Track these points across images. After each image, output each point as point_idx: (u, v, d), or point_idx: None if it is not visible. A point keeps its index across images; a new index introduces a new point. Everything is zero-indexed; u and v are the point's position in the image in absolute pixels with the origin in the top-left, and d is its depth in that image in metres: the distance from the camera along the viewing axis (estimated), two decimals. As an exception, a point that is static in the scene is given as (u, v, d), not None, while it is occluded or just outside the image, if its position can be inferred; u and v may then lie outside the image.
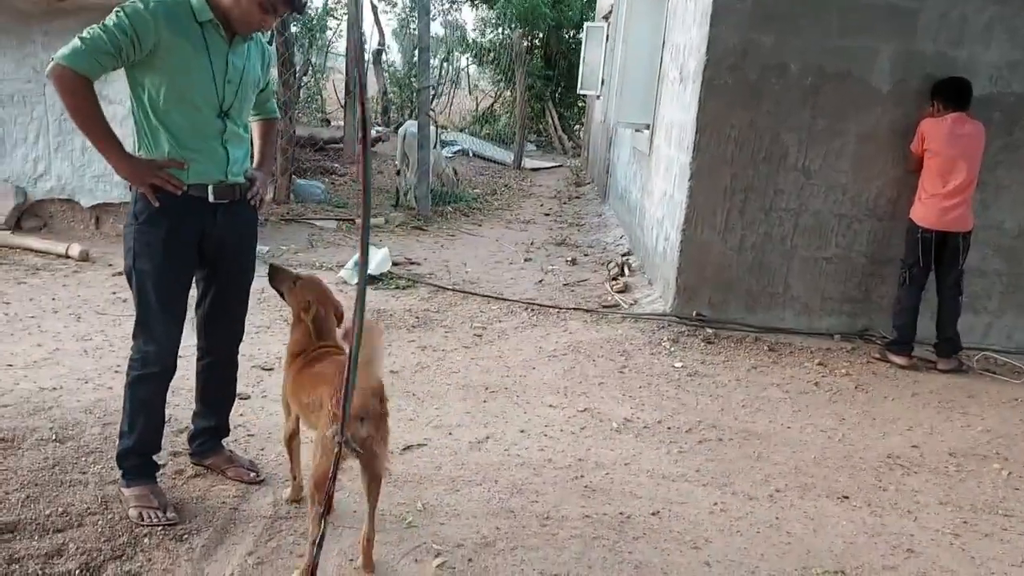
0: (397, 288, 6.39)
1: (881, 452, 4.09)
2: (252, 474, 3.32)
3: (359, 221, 8.51)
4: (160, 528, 2.92)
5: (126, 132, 2.92)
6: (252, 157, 3.22)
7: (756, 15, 5.40)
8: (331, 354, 2.99)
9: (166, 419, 3.19)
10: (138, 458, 3.09)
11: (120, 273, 5.99)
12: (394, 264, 6.91)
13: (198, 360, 3.31)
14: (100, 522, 2.93)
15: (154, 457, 3.16)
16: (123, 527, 2.91)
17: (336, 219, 8.69)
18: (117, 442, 3.12)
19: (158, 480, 3.15)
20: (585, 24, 13.18)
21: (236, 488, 3.22)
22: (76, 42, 2.69)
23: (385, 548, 2.93)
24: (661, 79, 7.17)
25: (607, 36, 10.71)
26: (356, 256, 6.73)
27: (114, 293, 5.61)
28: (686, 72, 6.06)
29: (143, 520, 2.94)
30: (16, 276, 5.84)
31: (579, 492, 3.45)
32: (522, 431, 4.02)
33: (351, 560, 2.84)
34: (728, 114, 5.55)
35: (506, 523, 3.16)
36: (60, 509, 2.98)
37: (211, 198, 2.96)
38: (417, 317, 5.69)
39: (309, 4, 3.03)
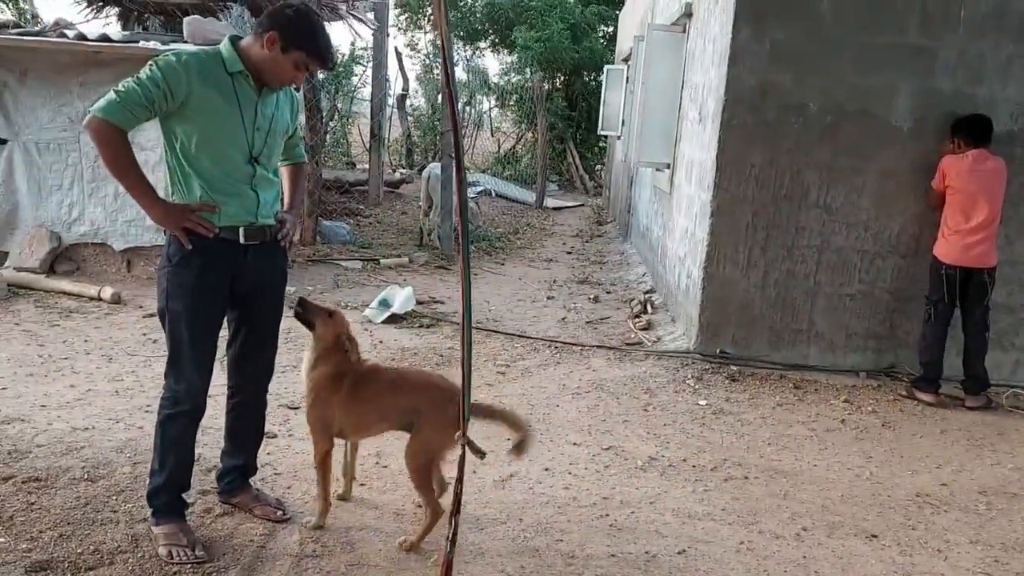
0: (422, 327, 6.44)
1: (910, 490, 4.04)
2: (279, 512, 3.35)
3: (383, 261, 8.61)
4: (189, 566, 2.96)
5: (158, 178, 3.03)
6: (281, 200, 3.31)
7: (774, 55, 5.48)
8: (379, 369, 3.41)
9: (195, 458, 3.24)
10: (168, 496, 3.13)
11: (151, 315, 6.12)
12: (418, 303, 6.97)
13: (228, 399, 3.37)
14: (131, 560, 2.97)
15: (183, 495, 3.21)
16: (153, 565, 2.94)
17: (361, 259, 8.79)
18: (148, 480, 3.17)
19: (187, 518, 3.19)
20: (605, 67, 13.36)
21: (263, 526, 3.25)
22: (112, 95, 2.81)
23: (411, 586, 2.94)
24: (680, 119, 7.25)
25: (626, 78, 10.85)
26: (380, 295, 6.81)
27: (144, 335, 5.71)
28: (705, 112, 6.13)
29: (172, 558, 2.98)
30: (50, 318, 5.97)
31: (604, 531, 3.45)
32: (546, 469, 4.03)
33: None
34: (748, 153, 5.60)
35: (531, 562, 3.16)
36: (92, 547, 3.03)
37: (242, 240, 3.04)
38: (441, 355, 5.73)
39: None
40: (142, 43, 6.95)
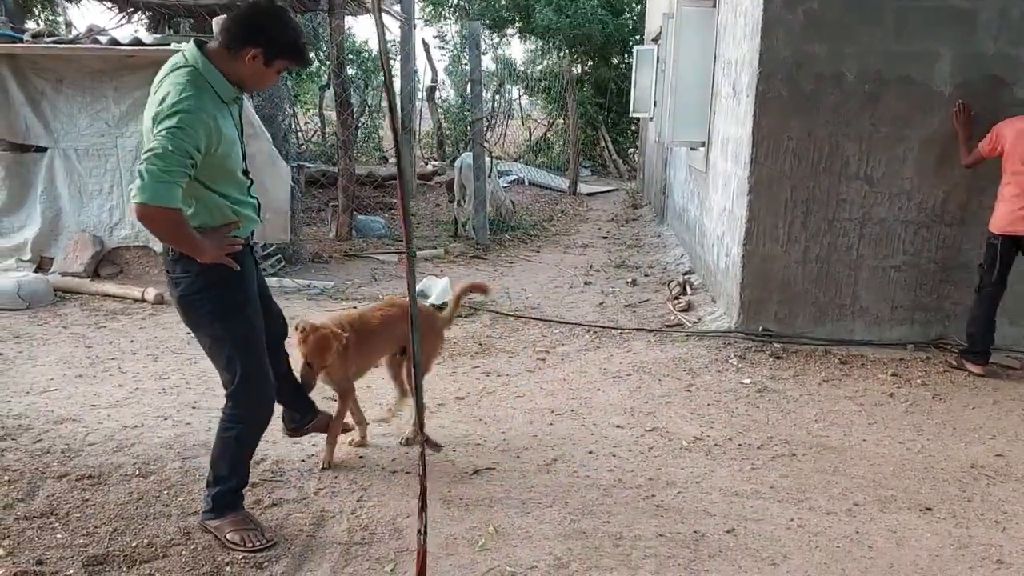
0: (459, 316, 6.44)
1: (964, 462, 3.95)
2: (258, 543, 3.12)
3: (420, 253, 8.62)
4: (262, 550, 3.02)
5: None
6: None
7: (808, 25, 5.36)
8: (363, 317, 3.86)
9: None
10: (235, 495, 3.18)
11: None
12: (456, 293, 6.97)
13: None
14: (184, 552, 3.02)
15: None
16: (205, 557, 2.99)
17: (396, 252, 8.83)
18: (211, 484, 3.15)
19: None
20: (635, 48, 13.22)
21: (312, 516, 3.28)
22: (156, 173, 2.57)
23: (459, 571, 2.95)
24: (714, 96, 7.15)
25: (657, 58, 10.72)
26: (418, 286, 6.81)
27: (188, 333, 5.77)
28: (739, 87, 6.03)
29: (244, 544, 3.03)
30: (96, 320, 6.08)
31: (651, 511, 3.42)
32: (590, 452, 4.01)
33: None
34: (784, 126, 5.50)
35: (579, 544, 3.15)
36: (146, 541, 3.08)
37: (251, 242, 3.15)
38: (480, 344, 5.73)
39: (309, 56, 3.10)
40: (173, 45, 7.02)
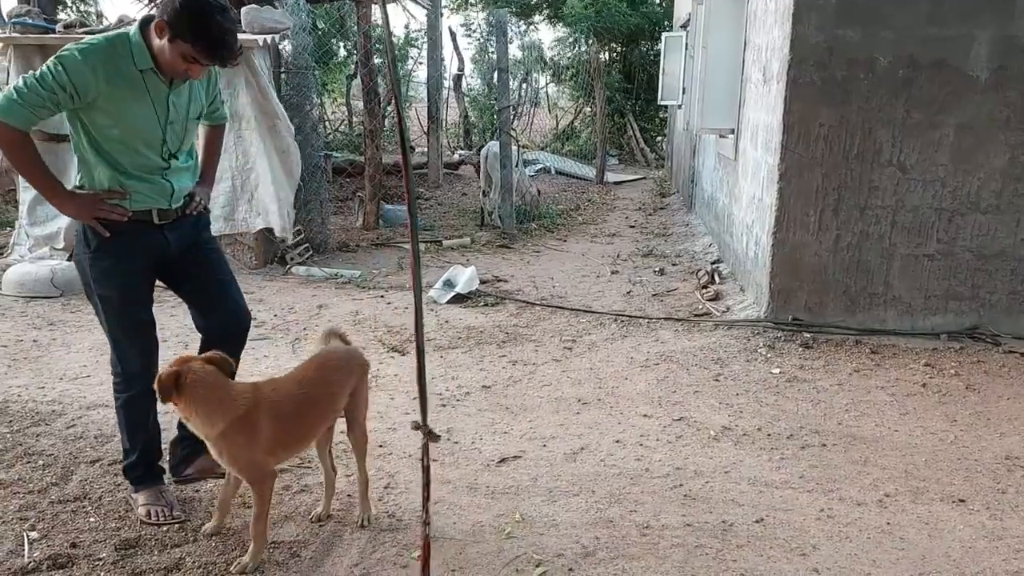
0: (486, 305, 6.45)
1: (998, 453, 3.88)
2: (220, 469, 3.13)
3: (446, 242, 8.63)
4: (166, 526, 3.08)
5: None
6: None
7: (840, 10, 5.27)
8: (261, 388, 2.89)
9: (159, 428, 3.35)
10: (143, 468, 3.24)
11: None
12: (482, 282, 6.97)
13: (204, 346, 3.27)
14: (214, 537, 3.05)
15: (158, 463, 3.32)
16: (235, 541, 3.02)
17: (423, 241, 8.84)
18: (122, 458, 3.28)
19: (164, 482, 3.32)
20: (663, 35, 13.10)
21: (339, 502, 3.30)
22: (12, 94, 2.73)
23: (485, 559, 2.95)
24: (744, 82, 7.06)
25: (686, 45, 10.62)
26: (444, 276, 6.83)
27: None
28: (769, 73, 5.95)
29: (150, 518, 3.11)
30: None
31: (679, 501, 3.40)
32: (617, 441, 3.99)
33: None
34: (816, 113, 5.42)
35: (605, 533, 3.14)
36: (176, 526, 3.12)
37: (156, 220, 3.06)
38: (507, 333, 5.73)
39: (239, 53, 3.01)
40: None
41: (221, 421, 2.72)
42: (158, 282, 3.26)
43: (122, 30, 2.90)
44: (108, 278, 3.03)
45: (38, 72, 2.76)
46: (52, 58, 2.78)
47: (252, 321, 3.47)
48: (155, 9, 2.86)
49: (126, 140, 2.91)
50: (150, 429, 3.27)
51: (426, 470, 2.48)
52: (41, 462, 3.61)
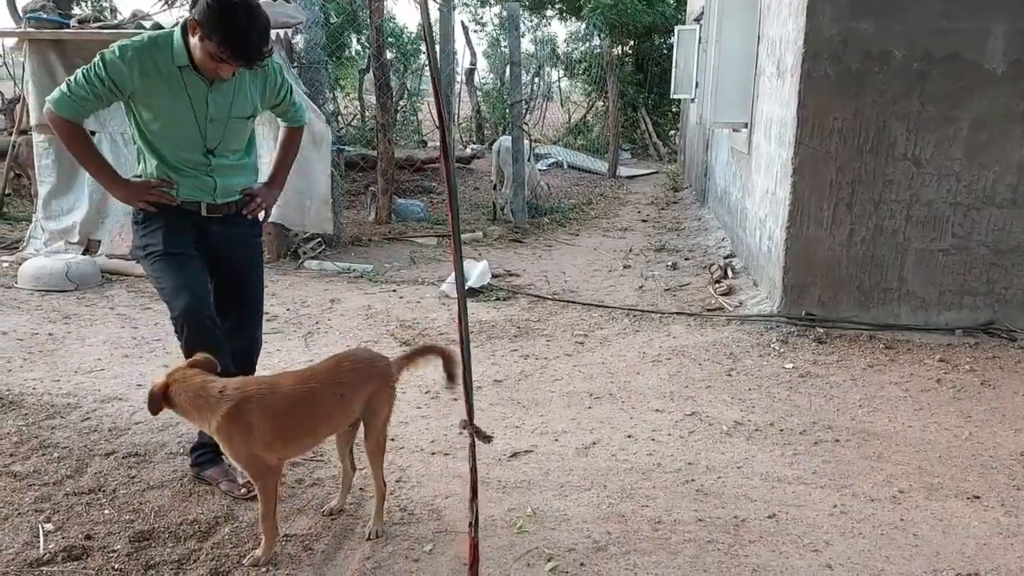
0: (498, 300, 6.45)
1: (1013, 450, 3.85)
2: (243, 490, 3.26)
3: (462, 237, 8.64)
4: (244, 499, 3.20)
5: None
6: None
7: (855, 2, 5.22)
8: (252, 383, 2.89)
9: None
10: (204, 447, 3.34)
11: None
12: (494, 276, 6.98)
13: None
14: (226, 530, 3.07)
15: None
16: (248, 534, 3.03)
17: (436, 236, 8.85)
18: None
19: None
20: (676, 28, 13.03)
21: (352, 496, 3.31)
22: (64, 88, 2.92)
23: (497, 552, 2.95)
24: (757, 76, 7.02)
25: (699, 38, 10.56)
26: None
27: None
28: (783, 67, 5.91)
29: (232, 492, 3.23)
30: (142, 302, 6.19)
31: (691, 496, 3.39)
32: (629, 436, 3.98)
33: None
34: (830, 106, 5.38)
35: (617, 527, 3.14)
36: (190, 518, 3.14)
37: (204, 212, 3.14)
38: (518, 327, 5.73)
39: (268, 55, 3.04)
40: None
41: (212, 418, 2.74)
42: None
43: (170, 30, 2.99)
44: (155, 237, 3.11)
45: (86, 67, 2.92)
46: (99, 53, 2.93)
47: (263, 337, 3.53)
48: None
49: (166, 134, 3.03)
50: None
51: (473, 471, 2.46)
52: (56, 454, 3.64)
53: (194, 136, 3.04)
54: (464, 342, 2.38)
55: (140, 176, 3.15)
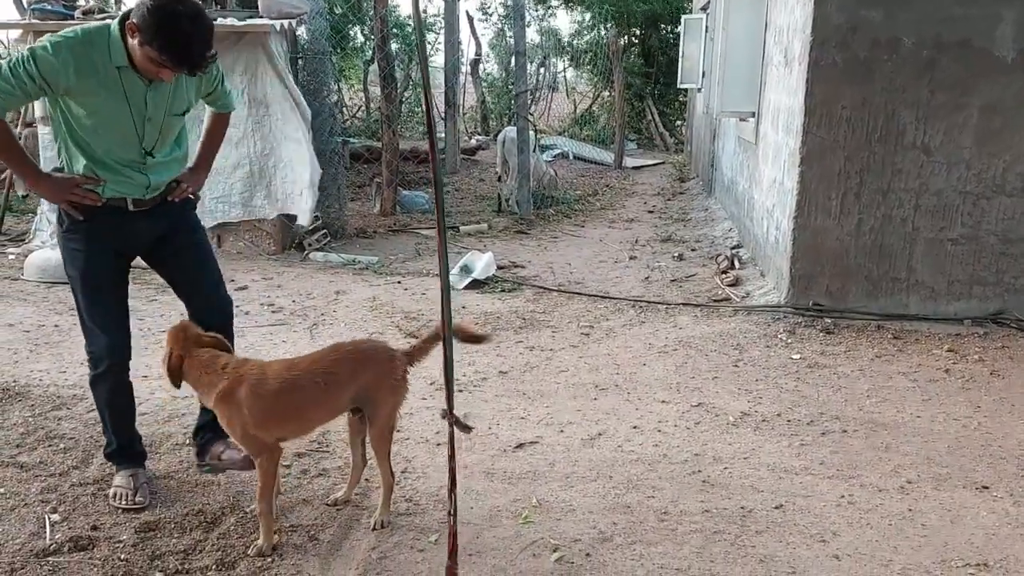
0: (503, 291, 6.43)
1: (1022, 440, 3.83)
2: (244, 459, 3.18)
3: (463, 228, 8.62)
4: (124, 511, 3.12)
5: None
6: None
7: (863, -11, 5.18)
8: (248, 365, 2.91)
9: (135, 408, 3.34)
10: (115, 448, 3.28)
11: (242, 288, 6.29)
12: (499, 268, 6.96)
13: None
14: (231, 520, 3.07)
15: (137, 444, 3.34)
16: (253, 525, 3.02)
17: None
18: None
19: (144, 464, 3.34)
20: (683, 17, 12.96)
21: (357, 487, 3.29)
22: None
23: (502, 543, 2.95)
24: (765, 64, 6.98)
25: (706, 27, 10.50)
26: (461, 262, 6.82)
27: (237, 307, 5.85)
28: (791, 55, 5.87)
29: (115, 500, 3.16)
30: (147, 294, 6.19)
31: (697, 487, 3.38)
32: (635, 427, 3.97)
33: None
34: (838, 94, 5.34)
35: (623, 518, 3.12)
36: (196, 509, 3.14)
37: (130, 208, 3.04)
38: (523, 318, 5.71)
39: (211, 60, 2.97)
40: (219, 20, 7.06)
41: (213, 392, 2.83)
42: (146, 267, 3.30)
43: (103, 23, 2.84)
44: (75, 259, 3.05)
45: (12, 60, 2.75)
46: (27, 47, 2.78)
47: (234, 307, 3.44)
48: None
49: (100, 132, 2.89)
50: (123, 409, 3.25)
51: (451, 458, 2.47)
52: (62, 445, 3.64)
53: (130, 136, 2.92)
54: (447, 330, 2.39)
55: (61, 171, 3.00)
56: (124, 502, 3.15)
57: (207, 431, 3.37)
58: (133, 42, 2.70)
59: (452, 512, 2.48)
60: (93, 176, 2.94)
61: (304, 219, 7.36)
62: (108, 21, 2.85)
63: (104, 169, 2.95)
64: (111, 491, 3.21)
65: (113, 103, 2.83)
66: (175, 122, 3.07)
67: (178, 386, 2.90)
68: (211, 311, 3.24)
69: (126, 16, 2.74)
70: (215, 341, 2.97)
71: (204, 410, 3.30)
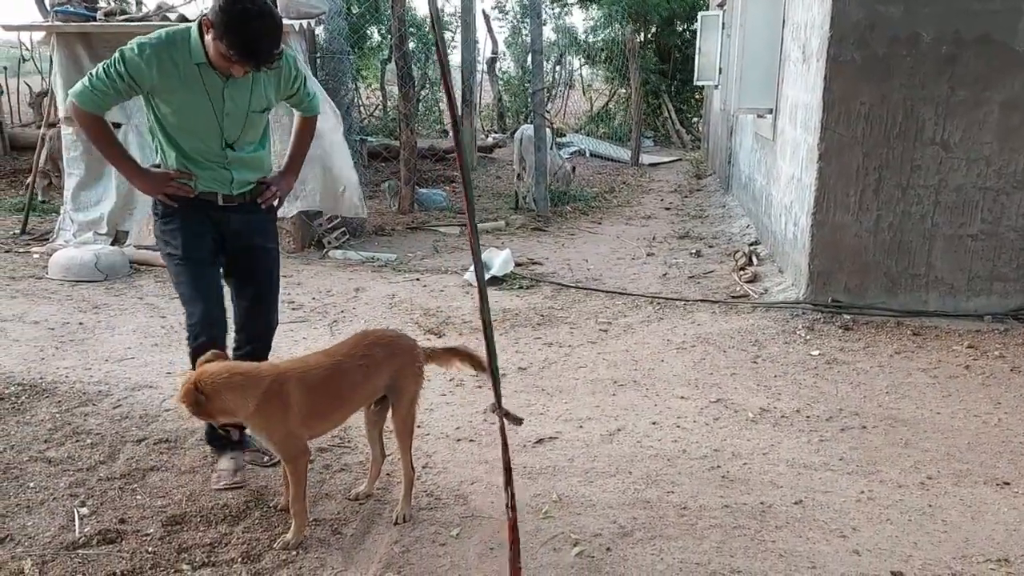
0: (521, 288, 6.46)
1: (1044, 437, 3.81)
2: (266, 458, 3.45)
3: (481, 225, 8.64)
4: (226, 491, 3.22)
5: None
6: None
7: (882, -15, 5.16)
8: (284, 363, 3.03)
9: None
10: (215, 435, 3.33)
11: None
12: (517, 265, 6.98)
13: (234, 351, 3.38)
14: (257, 514, 3.11)
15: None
16: (278, 518, 3.07)
17: (458, 225, 8.86)
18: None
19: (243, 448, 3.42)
20: (699, 14, 12.92)
21: (379, 482, 3.34)
22: (85, 82, 2.97)
23: (523, 537, 2.95)
24: (782, 61, 6.95)
25: (722, 24, 10.47)
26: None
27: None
28: (809, 51, 5.85)
29: (217, 482, 3.26)
30: (170, 292, 6.22)
31: (716, 482, 3.39)
32: (654, 423, 3.99)
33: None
34: (856, 91, 5.32)
35: (643, 513, 3.14)
36: (221, 503, 3.19)
37: (220, 203, 3.20)
38: (542, 315, 5.73)
39: (278, 57, 3.05)
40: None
41: (252, 399, 2.76)
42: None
43: (186, 26, 3.05)
44: (173, 237, 3.19)
45: (106, 62, 2.97)
46: (119, 50, 2.98)
47: (281, 317, 3.55)
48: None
49: (184, 127, 3.09)
50: None
51: (505, 452, 2.49)
52: (89, 441, 3.71)
53: (212, 130, 3.10)
54: (487, 327, 2.40)
55: (159, 166, 3.21)
56: (225, 482, 3.25)
57: (216, 440, 3.41)
58: (208, 38, 2.89)
59: (510, 505, 2.48)
60: (186, 171, 3.12)
61: (355, 211, 7.43)
62: (191, 24, 3.05)
63: (193, 164, 3.13)
64: (213, 475, 3.31)
65: (193, 98, 3.02)
66: (255, 119, 3.20)
67: (199, 414, 2.79)
68: (253, 339, 3.38)
69: (205, 15, 2.94)
70: (221, 356, 2.92)
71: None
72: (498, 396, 2.47)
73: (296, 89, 3.32)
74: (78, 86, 3.00)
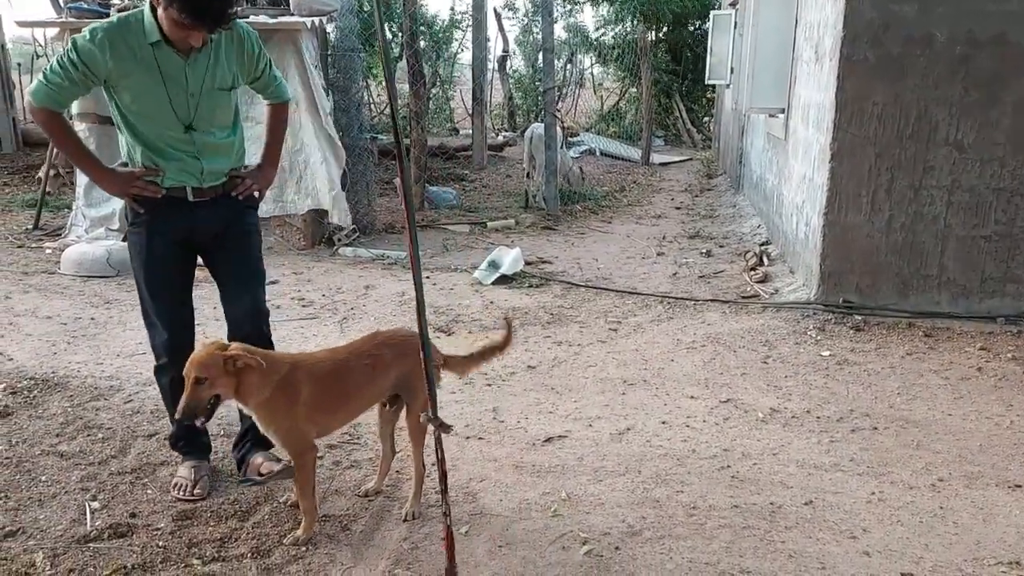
0: (530, 287, 6.45)
1: (1057, 440, 3.79)
2: (281, 465, 3.17)
3: (491, 224, 8.65)
4: (181, 501, 3.17)
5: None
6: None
7: (896, -16, 5.13)
8: (297, 355, 3.08)
9: None
10: (177, 439, 3.35)
11: (272, 282, 6.36)
12: (527, 263, 6.98)
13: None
14: (267, 510, 3.13)
15: (204, 437, 3.40)
16: (287, 515, 3.08)
17: (468, 223, 8.87)
18: None
19: (209, 458, 3.43)
20: (711, 13, 12.89)
21: (388, 479, 3.34)
22: (40, 78, 2.88)
23: (531, 536, 2.97)
24: (795, 60, 6.93)
25: (735, 23, 10.44)
26: (489, 257, 6.85)
27: (269, 300, 5.93)
28: (822, 50, 5.83)
29: (175, 490, 3.22)
30: (181, 288, 6.30)
31: (726, 482, 3.38)
32: (663, 422, 3.98)
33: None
34: (869, 91, 5.30)
35: (652, 512, 3.14)
36: (231, 499, 3.21)
37: (190, 198, 3.08)
38: (551, 314, 5.73)
39: (231, 17, 2.83)
40: (251, 18, 7.15)
41: (270, 385, 2.79)
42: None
43: (137, 8, 2.94)
44: (138, 253, 3.13)
45: (60, 54, 2.89)
46: (70, 39, 2.90)
47: (269, 320, 3.42)
48: None
49: (144, 112, 2.96)
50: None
51: (440, 461, 2.58)
52: (101, 435, 3.73)
53: (171, 112, 2.97)
54: (423, 333, 2.48)
55: (127, 164, 3.09)
56: (183, 493, 3.21)
57: (246, 440, 3.37)
58: (160, 11, 2.79)
59: (446, 512, 2.54)
60: (153, 167, 3.02)
61: (338, 219, 7.44)
62: (141, 6, 2.93)
63: (159, 155, 3.02)
64: (173, 480, 3.28)
65: (149, 79, 2.90)
66: (219, 97, 3.06)
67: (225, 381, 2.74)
68: (243, 323, 3.27)
69: None
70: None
71: (243, 418, 3.31)
72: (434, 406, 2.56)
73: (262, 72, 3.20)
74: (33, 85, 2.90)
